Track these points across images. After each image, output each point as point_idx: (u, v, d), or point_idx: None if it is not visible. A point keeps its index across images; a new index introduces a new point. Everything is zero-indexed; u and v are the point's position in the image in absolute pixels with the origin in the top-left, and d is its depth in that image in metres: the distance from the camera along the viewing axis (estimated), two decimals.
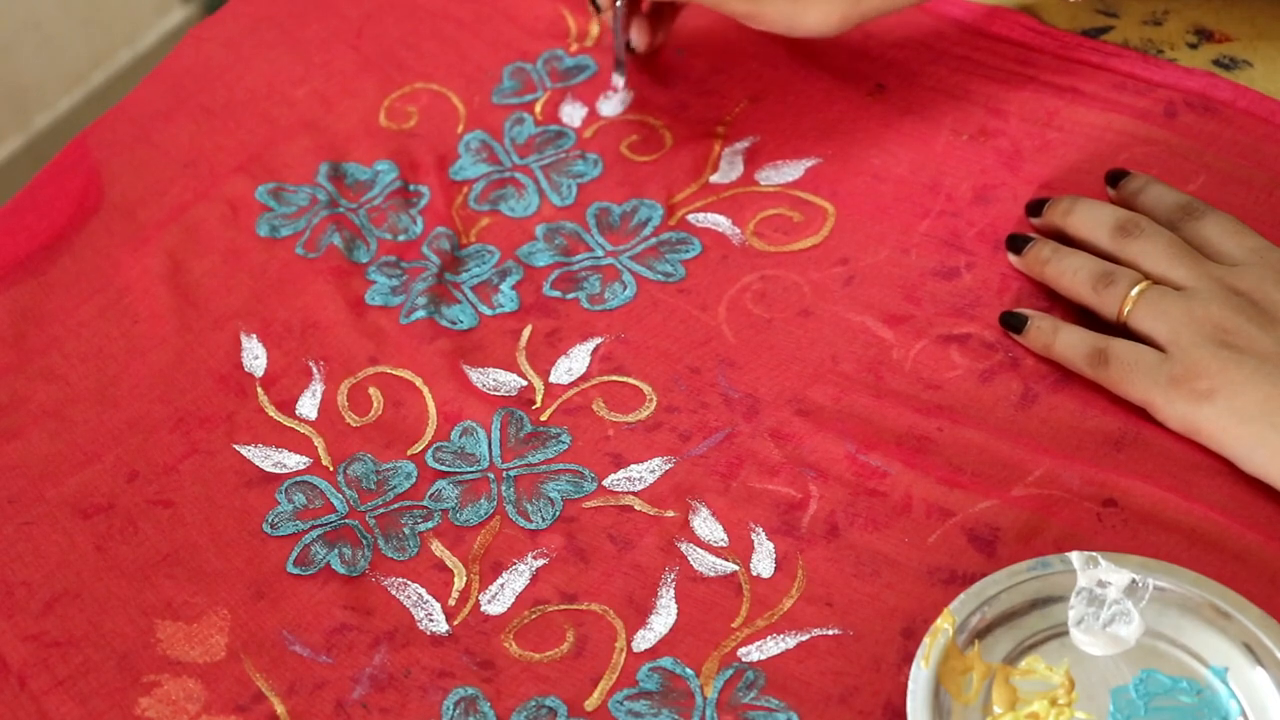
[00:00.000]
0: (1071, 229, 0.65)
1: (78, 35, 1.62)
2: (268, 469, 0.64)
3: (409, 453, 0.64)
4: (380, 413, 0.65)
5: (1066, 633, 0.54)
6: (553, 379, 0.66)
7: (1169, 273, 0.61)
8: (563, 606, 0.58)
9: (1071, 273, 0.63)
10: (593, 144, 0.75)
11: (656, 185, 0.73)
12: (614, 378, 0.65)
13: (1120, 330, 0.62)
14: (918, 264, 0.67)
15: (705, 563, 0.59)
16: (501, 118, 0.77)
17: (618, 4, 0.72)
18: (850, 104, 0.75)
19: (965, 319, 0.65)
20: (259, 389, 0.67)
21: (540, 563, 0.60)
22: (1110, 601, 0.54)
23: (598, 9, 0.73)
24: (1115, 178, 0.67)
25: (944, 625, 0.53)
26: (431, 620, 0.59)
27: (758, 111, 0.75)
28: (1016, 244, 0.66)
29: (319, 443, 0.64)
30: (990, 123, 0.72)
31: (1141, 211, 0.65)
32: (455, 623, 0.58)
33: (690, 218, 0.71)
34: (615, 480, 0.62)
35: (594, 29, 0.80)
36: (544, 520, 0.61)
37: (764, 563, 0.58)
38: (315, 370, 0.67)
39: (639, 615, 0.58)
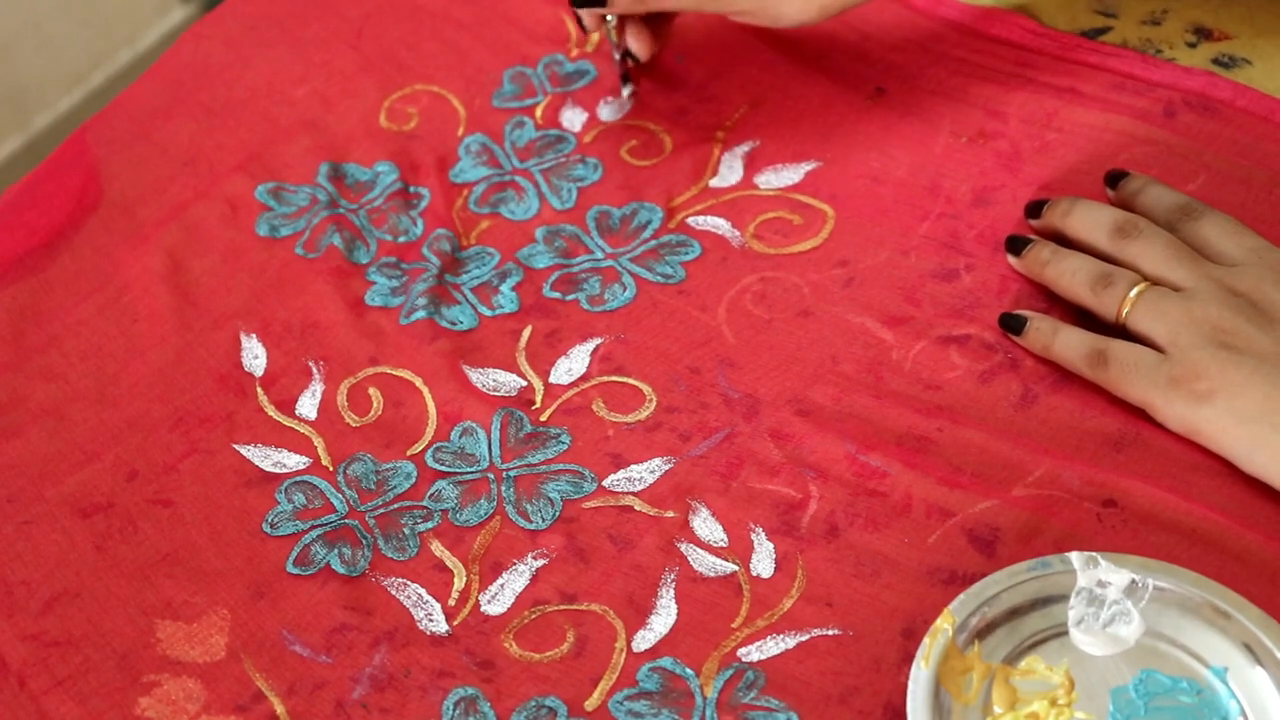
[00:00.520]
0: (1070, 230, 0.65)
1: (78, 35, 1.62)
2: (267, 469, 0.64)
3: (409, 453, 0.64)
4: (380, 413, 0.65)
5: (1066, 633, 0.54)
6: (552, 379, 0.66)
7: (1168, 274, 0.61)
8: (563, 607, 0.58)
9: (1070, 274, 0.63)
10: (593, 148, 0.75)
11: (656, 189, 0.73)
12: (614, 378, 0.65)
13: (1119, 331, 0.62)
14: (917, 266, 0.67)
15: (705, 563, 0.59)
16: (502, 121, 0.77)
17: (609, 20, 0.73)
18: (849, 107, 0.75)
19: (965, 320, 0.65)
20: (259, 389, 0.67)
21: (540, 563, 0.60)
22: (1110, 601, 0.54)
23: (585, 31, 0.74)
24: (1114, 179, 0.67)
25: (944, 625, 0.53)
26: (431, 620, 0.59)
27: (757, 116, 0.75)
28: (1016, 245, 0.66)
29: (319, 443, 0.64)
30: (989, 124, 0.72)
31: (1140, 212, 0.65)
32: (455, 623, 0.58)
33: (690, 220, 0.71)
34: (615, 480, 0.62)
35: (594, 35, 0.80)
36: (544, 520, 0.61)
37: (764, 563, 0.58)
38: (315, 370, 0.67)
39: (639, 615, 0.58)
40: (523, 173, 0.75)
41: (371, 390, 0.66)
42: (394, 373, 0.67)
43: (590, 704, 0.56)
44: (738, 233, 0.70)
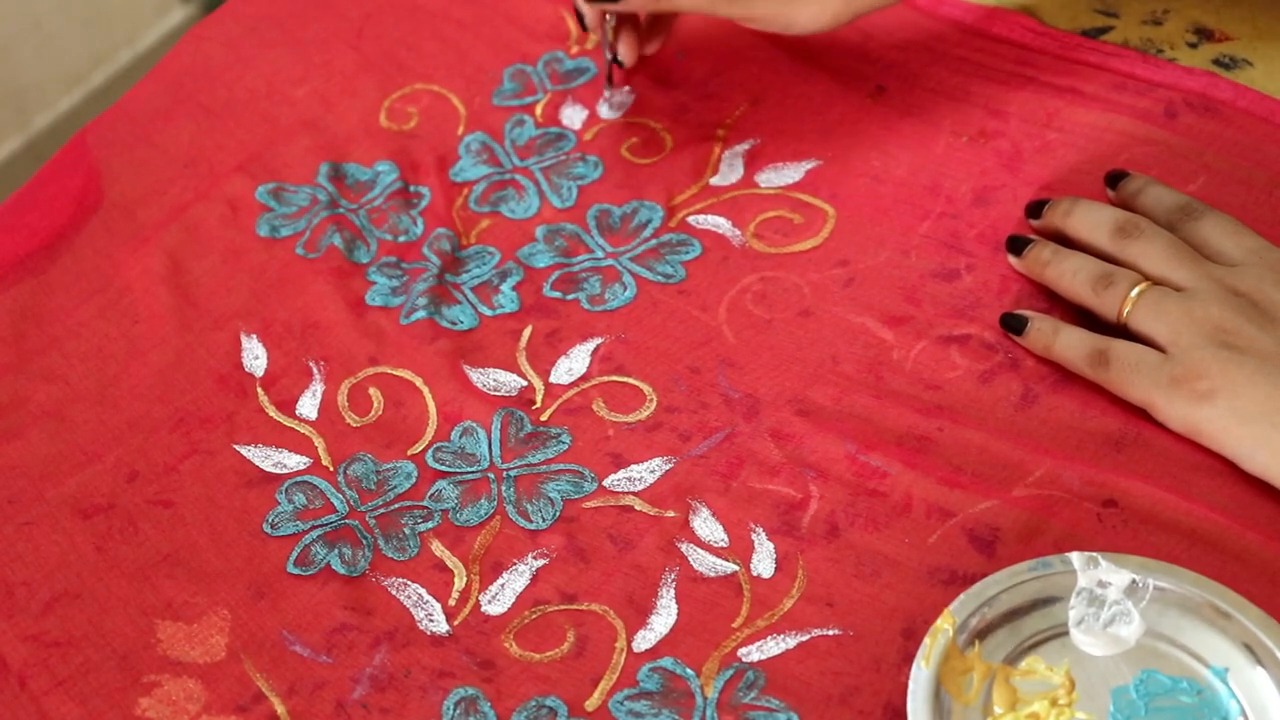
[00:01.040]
0: (1071, 230, 0.65)
1: (78, 35, 1.62)
2: (268, 469, 0.64)
3: (409, 453, 0.64)
4: (380, 413, 0.65)
5: (1067, 633, 0.54)
6: (553, 379, 0.66)
7: (1169, 274, 0.61)
8: (563, 607, 0.58)
9: (1071, 274, 0.63)
10: (593, 146, 0.75)
11: (657, 187, 0.73)
12: (614, 378, 0.65)
13: (1120, 332, 0.62)
14: (918, 265, 0.67)
15: (705, 563, 0.59)
16: (502, 119, 0.77)
17: (608, 19, 0.72)
18: (850, 106, 0.75)
19: (965, 320, 0.65)
20: (259, 389, 0.67)
21: (540, 563, 0.60)
22: (1110, 602, 0.54)
23: (585, 28, 0.73)
24: (1114, 179, 0.67)
25: (944, 626, 0.53)
26: (432, 620, 0.59)
27: (758, 114, 0.75)
28: (1016, 246, 0.66)
29: (319, 443, 0.64)
30: (990, 124, 0.72)
31: (1141, 212, 0.65)
32: (455, 623, 0.58)
33: (690, 219, 0.71)
34: (615, 480, 0.62)
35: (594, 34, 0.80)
36: (544, 520, 0.61)
37: (764, 563, 0.58)
38: (315, 370, 0.67)
39: (639, 615, 0.58)
40: (523, 171, 0.75)
41: (372, 390, 0.66)
42: (394, 373, 0.67)
43: (590, 704, 0.56)
44: (738, 232, 0.70)
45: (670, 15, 0.75)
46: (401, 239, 0.72)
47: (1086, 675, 0.53)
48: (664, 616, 0.58)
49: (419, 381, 0.66)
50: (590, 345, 0.67)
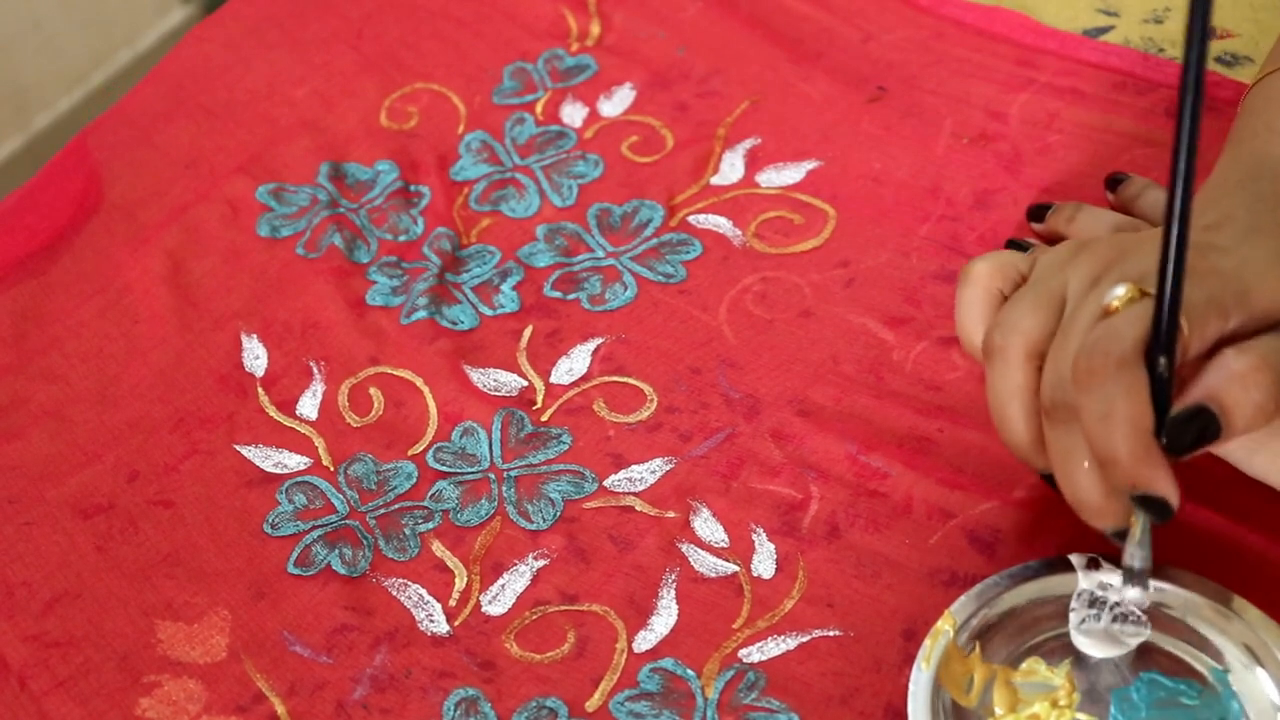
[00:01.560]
0: (1074, 237, 0.65)
1: (78, 35, 1.62)
2: (268, 469, 0.64)
3: (410, 453, 0.64)
4: (381, 413, 0.65)
5: (1068, 635, 0.54)
6: (553, 379, 0.66)
7: None
8: (563, 607, 0.58)
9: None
10: (593, 144, 0.75)
11: (657, 186, 0.73)
12: (615, 378, 0.65)
13: None
14: (918, 267, 0.67)
15: (706, 563, 0.59)
16: (502, 118, 0.77)
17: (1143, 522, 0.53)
18: (851, 107, 0.75)
19: None
20: (259, 389, 0.67)
21: (541, 563, 0.60)
22: (1112, 604, 0.54)
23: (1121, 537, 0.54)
24: (1114, 182, 0.67)
25: (945, 627, 0.53)
26: (432, 621, 0.59)
27: (759, 113, 0.75)
28: (1016, 250, 0.66)
29: (319, 443, 0.64)
30: (990, 126, 0.72)
31: (1140, 216, 0.65)
32: (456, 623, 0.58)
33: (691, 219, 0.71)
34: (616, 481, 0.62)
35: (594, 28, 0.80)
36: (545, 521, 0.61)
37: (765, 564, 0.58)
38: (316, 370, 0.67)
39: (640, 616, 0.58)
40: (523, 170, 0.75)
41: (372, 390, 0.66)
42: (395, 373, 0.67)
43: (591, 705, 0.56)
44: (739, 232, 0.70)
45: None
46: (402, 238, 0.72)
47: (1087, 677, 0.53)
48: (664, 617, 0.58)
49: (419, 381, 0.66)
50: (591, 345, 0.67)
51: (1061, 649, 0.54)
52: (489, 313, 0.69)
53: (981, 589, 0.54)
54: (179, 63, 0.82)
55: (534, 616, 0.58)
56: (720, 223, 0.71)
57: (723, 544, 0.59)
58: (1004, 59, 0.75)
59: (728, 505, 0.60)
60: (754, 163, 0.73)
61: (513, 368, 0.66)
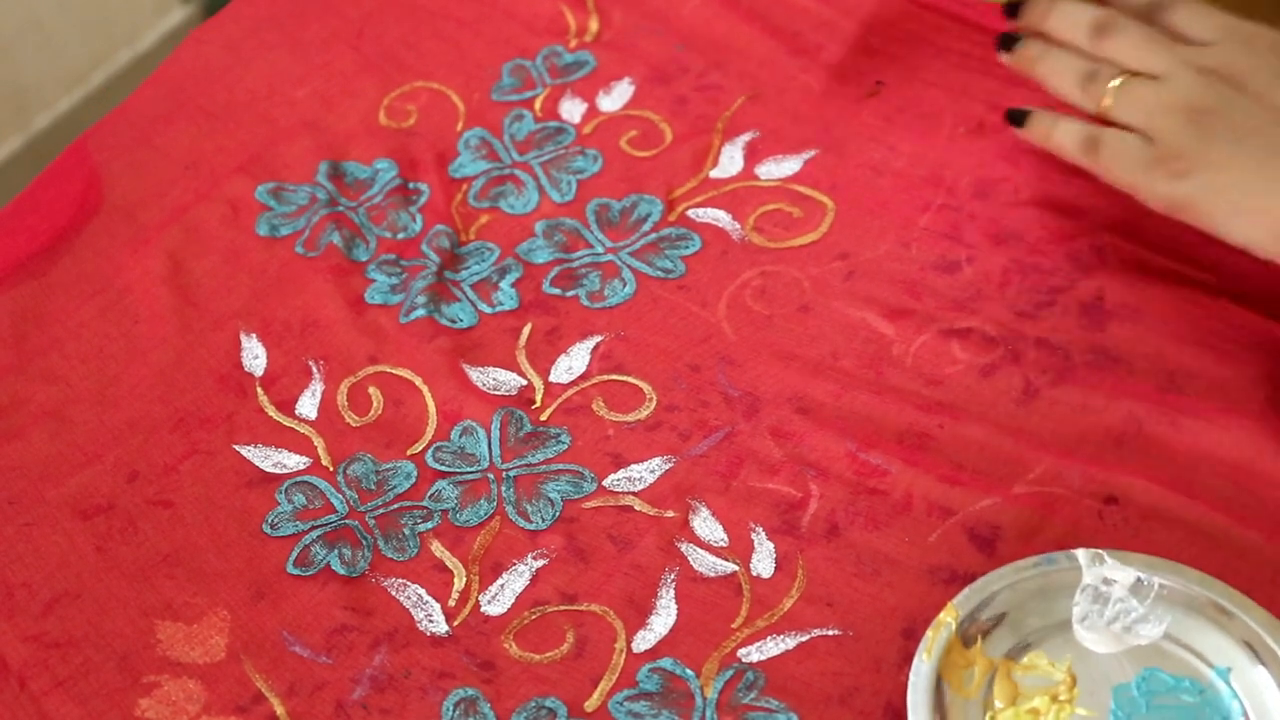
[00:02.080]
0: (1050, 29, 0.66)
1: (78, 35, 1.62)
2: (268, 469, 0.64)
3: (409, 453, 0.64)
4: (380, 412, 0.65)
5: (1070, 629, 0.54)
6: (552, 378, 0.65)
7: (1145, 64, 0.63)
8: (563, 607, 0.58)
9: (1059, 72, 0.65)
10: (592, 140, 0.75)
11: (656, 180, 0.72)
12: (614, 377, 0.65)
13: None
14: (918, 258, 0.67)
15: (705, 563, 0.59)
16: (501, 114, 0.77)
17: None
18: (850, 100, 0.74)
19: (966, 313, 0.65)
20: (259, 389, 0.67)
21: (540, 563, 0.60)
22: (1115, 599, 0.53)
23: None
24: None
25: (947, 619, 0.53)
26: (431, 621, 0.58)
27: (757, 107, 0.75)
28: (1006, 42, 0.67)
29: (319, 443, 0.64)
30: (990, 118, 0.72)
31: (1116, 7, 0.66)
32: (455, 623, 0.58)
33: (690, 213, 0.71)
34: (615, 480, 0.62)
35: (593, 24, 0.80)
36: (544, 520, 0.61)
37: (764, 562, 0.58)
38: (315, 370, 0.67)
39: (639, 616, 0.58)
40: (522, 166, 0.74)
41: (371, 389, 0.66)
42: (394, 372, 0.67)
43: (590, 705, 0.56)
44: (738, 225, 0.70)
45: None
46: (400, 236, 0.72)
47: (1088, 672, 0.53)
48: (663, 617, 0.57)
49: (418, 380, 0.66)
50: (590, 343, 0.66)
51: (1063, 644, 0.54)
52: (488, 310, 0.68)
53: (985, 582, 0.54)
54: (179, 65, 0.81)
55: (533, 616, 0.58)
56: (719, 216, 0.70)
57: (722, 543, 0.59)
58: None
59: (727, 504, 0.60)
60: (753, 155, 0.73)
61: (512, 366, 0.66)
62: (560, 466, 0.62)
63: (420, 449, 0.64)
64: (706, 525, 0.60)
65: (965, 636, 0.53)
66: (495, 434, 0.64)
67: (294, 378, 0.67)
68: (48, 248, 0.73)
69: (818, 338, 0.65)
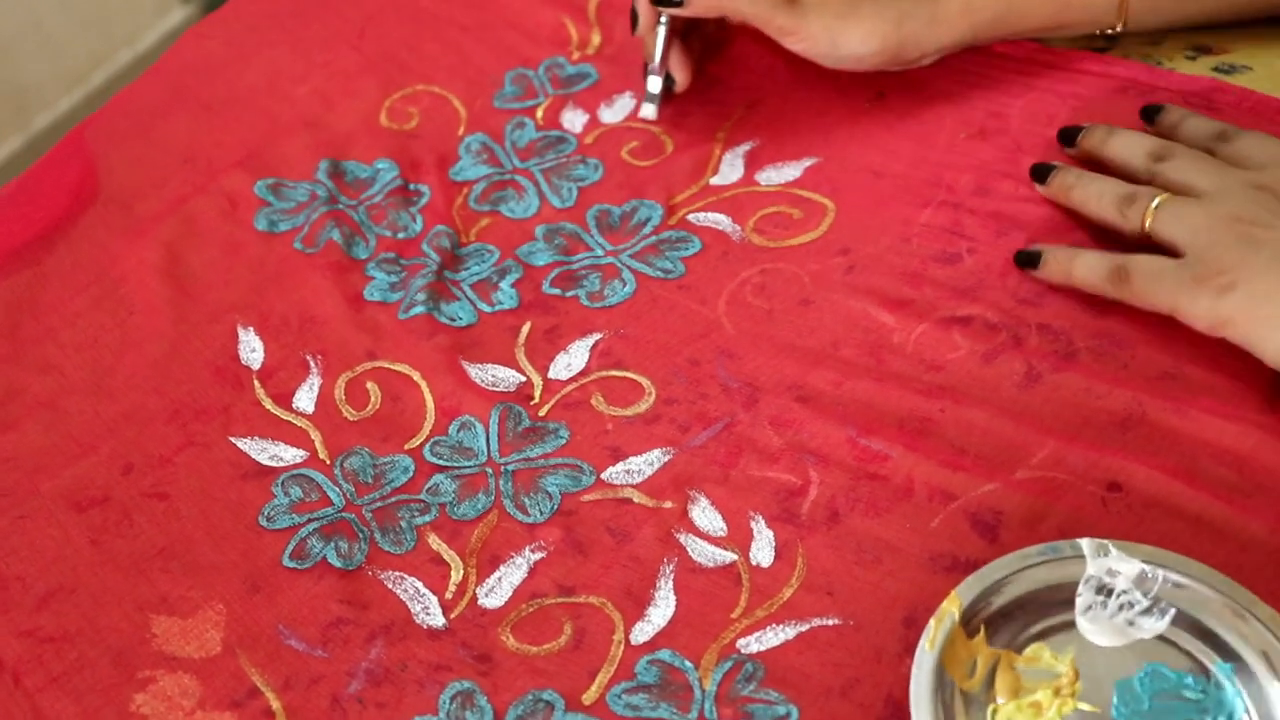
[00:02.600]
0: (1109, 154, 0.66)
1: (78, 35, 1.63)
2: (264, 462, 0.63)
3: (406, 447, 0.63)
4: (378, 407, 0.65)
5: (1073, 622, 0.53)
6: (551, 375, 0.65)
7: (1195, 182, 0.62)
8: (560, 599, 0.58)
9: (1097, 196, 0.64)
10: (594, 149, 0.75)
11: (656, 187, 0.73)
12: (613, 372, 0.65)
13: (1143, 249, 0.62)
14: (919, 251, 0.67)
15: (704, 553, 0.58)
16: (503, 121, 0.77)
17: (662, 23, 0.70)
18: (850, 109, 0.74)
19: (968, 300, 0.64)
20: (256, 382, 0.66)
21: (538, 556, 0.59)
22: (1119, 591, 0.53)
23: (633, 30, 0.72)
24: (1151, 113, 0.68)
25: (950, 609, 0.52)
26: (428, 614, 0.58)
27: (757, 117, 0.75)
28: (1040, 173, 0.67)
29: (316, 436, 0.64)
30: (991, 124, 0.72)
31: (1184, 142, 0.66)
32: (452, 616, 0.58)
33: (690, 217, 0.71)
34: (614, 473, 0.61)
35: (595, 38, 0.80)
36: (542, 514, 0.60)
37: (763, 551, 0.58)
38: (312, 364, 0.67)
39: (637, 607, 0.57)
40: (523, 172, 0.74)
41: (369, 384, 0.66)
42: (392, 367, 0.66)
43: (588, 697, 0.55)
44: (738, 227, 0.70)
45: (716, 37, 0.75)
46: (400, 235, 0.72)
47: (1092, 665, 0.52)
48: (662, 608, 0.57)
49: (417, 376, 0.66)
50: (589, 341, 0.66)
51: (1067, 636, 0.53)
52: (487, 309, 0.68)
53: (988, 571, 0.54)
54: (178, 58, 0.82)
55: (531, 609, 0.58)
56: (719, 220, 0.70)
57: (721, 533, 0.59)
58: (1004, 70, 0.75)
59: (726, 494, 0.60)
60: (753, 162, 0.73)
61: (511, 363, 0.66)
62: (559, 460, 0.62)
63: (418, 443, 0.63)
64: (705, 515, 0.59)
65: (968, 627, 0.53)
66: (494, 429, 0.63)
67: (291, 371, 0.66)
68: (42, 236, 0.73)
69: (818, 329, 0.65)
